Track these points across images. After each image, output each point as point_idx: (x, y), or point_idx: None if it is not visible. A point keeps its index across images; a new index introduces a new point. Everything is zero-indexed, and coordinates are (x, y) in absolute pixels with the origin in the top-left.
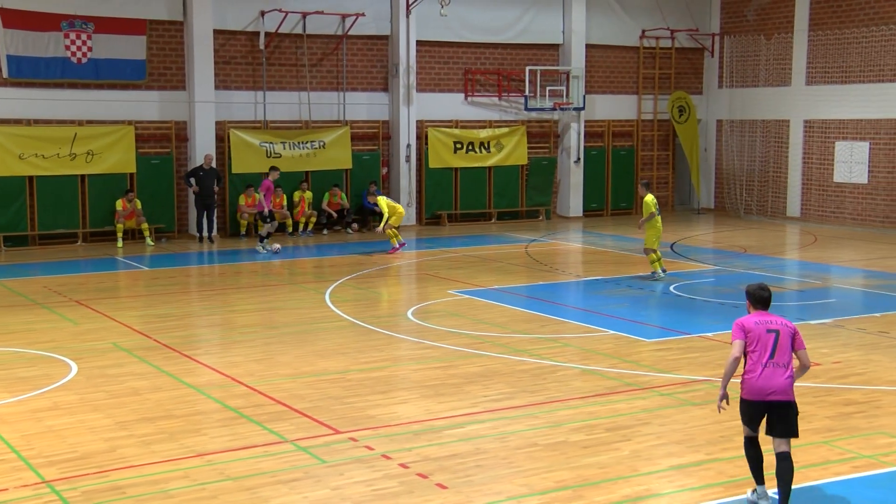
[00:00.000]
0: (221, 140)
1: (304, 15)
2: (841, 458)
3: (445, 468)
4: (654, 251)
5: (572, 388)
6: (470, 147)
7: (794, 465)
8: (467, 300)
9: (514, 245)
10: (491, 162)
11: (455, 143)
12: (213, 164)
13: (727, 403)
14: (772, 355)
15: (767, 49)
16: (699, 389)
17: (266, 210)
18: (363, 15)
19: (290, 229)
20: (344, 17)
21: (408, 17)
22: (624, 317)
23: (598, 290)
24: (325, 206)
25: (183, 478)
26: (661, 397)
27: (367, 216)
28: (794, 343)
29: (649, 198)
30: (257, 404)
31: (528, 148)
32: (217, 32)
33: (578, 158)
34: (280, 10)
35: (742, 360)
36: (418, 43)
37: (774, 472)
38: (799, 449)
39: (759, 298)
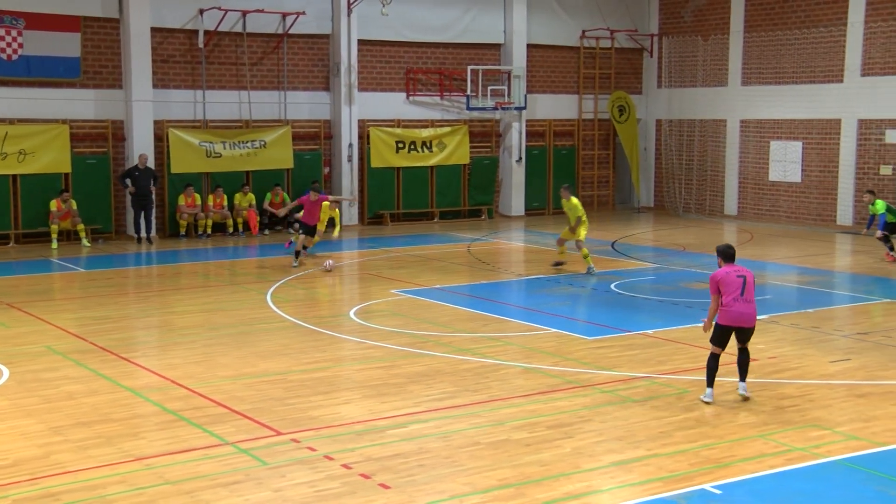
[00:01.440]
0: (160, 139)
1: (244, 13)
2: (775, 451)
3: (388, 468)
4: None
5: (515, 386)
6: (412, 146)
7: (731, 458)
8: (410, 300)
9: (456, 244)
10: (433, 161)
11: (397, 142)
12: (150, 164)
13: (707, 330)
14: (742, 293)
15: (704, 50)
16: (639, 386)
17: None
18: (304, 14)
19: (231, 230)
20: (284, 15)
21: (349, 16)
22: (565, 315)
23: (540, 289)
24: (266, 206)
25: (120, 483)
26: (603, 394)
27: None
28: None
29: (575, 201)
30: (197, 406)
31: (470, 147)
32: (154, 30)
33: (520, 158)
34: (219, 9)
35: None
36: (360, 42)
37: (737, 360)
38: (735, 443)
39: (728, 254)
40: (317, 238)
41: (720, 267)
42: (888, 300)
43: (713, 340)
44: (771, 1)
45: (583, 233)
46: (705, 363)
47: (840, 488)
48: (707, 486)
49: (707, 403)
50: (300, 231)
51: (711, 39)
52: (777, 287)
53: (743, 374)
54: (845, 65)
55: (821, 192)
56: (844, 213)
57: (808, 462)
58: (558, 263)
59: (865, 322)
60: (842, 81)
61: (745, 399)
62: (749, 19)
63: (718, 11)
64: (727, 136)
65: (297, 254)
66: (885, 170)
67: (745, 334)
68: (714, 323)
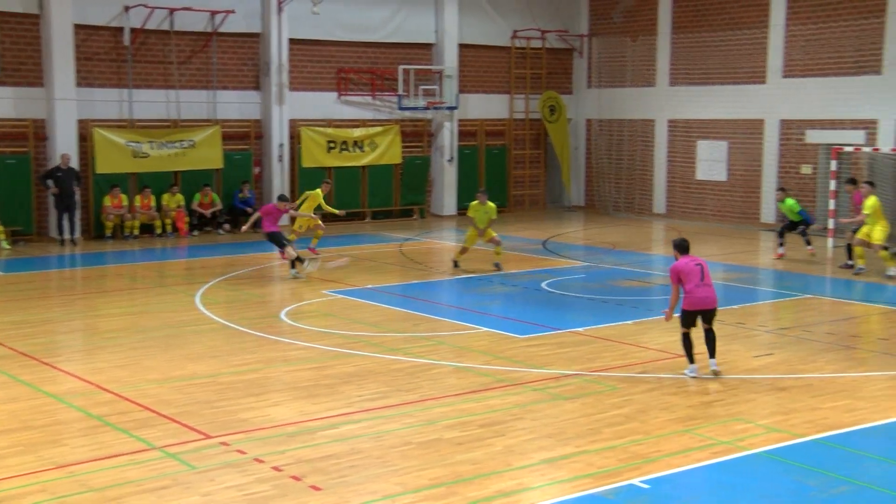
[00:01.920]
0: (84, 139)
1: (172, 11)
2: (701, 445)
3: (320, 469)
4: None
5: (447, 385)
6: (344, 146)
7: (658, 453)
8: (341, 300)
9: (388, 244)
10: (365, 161)
11: (329, 142)
12: (73, 164)
13: (669, 319)
14: (701, 279)
15: (633, 51)
16: (570, 384)
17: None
18: (233, 12)
19: (159, 231)
20: (213, 13)
21: (279, 14)
22: (497, 314)
23: (472, 289)
24: (195, 206)
25: (41, 492)
26: (534, 392)
27: (239, 216)
28: None
29: (492, 205)
30: (123, 411)
31: (402, 147)
32: (78, 27)
33: (452, 157)
34: (146, 6)
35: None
36: (290, 41)
37: (704, 339)
38: (662, 438)
39: (684, 247)
40: (293, 237)
41: (677, 259)
42: (809, 296)
43: (684, 323)
44: (697, 3)
45: (490, 233)
46: (680, 342)
47: (761, 479)
48: (635, 482)
49: (693, 378)
50: (284, 244)
51: (640, 40)
52: None
53: (712, 352)
54: (768, 66)
55: (745, 191)
56: (768, 211)
57: (731, 455)
58: (497, 265)
59: (787, 317)
60: (765, 82)
61: (717, 374)
62: (676, 21)
63: (646, 13)
64: (655, 136)
65: (295, 263)
66: (806, 169)
67: (709, 315)
68: (682, 310)
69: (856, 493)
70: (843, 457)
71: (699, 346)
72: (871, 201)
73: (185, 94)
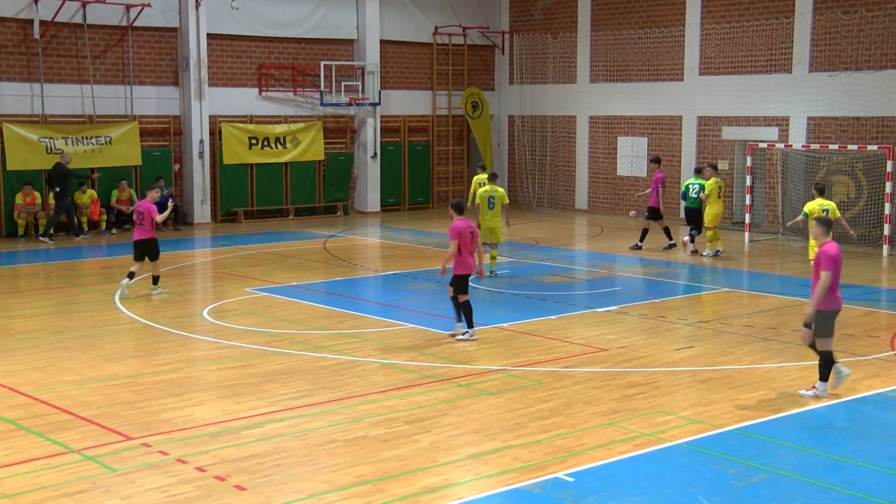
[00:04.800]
0: None
1: (84, 3)
2: (625, 438)
3: (244, 469)
4: None
5: (372, 382)
6: (265, 143)
7: (583, 446)
8: (265, 298)
9: (311, 241)
10: (287, 158)
11: (250, 138)
12: None
13: (443, 274)
14: (471, 243)
15: (554, 48)
16: (495, 379)
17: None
18: (149, 6)
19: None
20: (128, 7)
21: (197, 9)
22: (422, 310)
23: (397, 285)
24: (113, 203)
25: None
26: (459, 388)
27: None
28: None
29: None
30: (38, 414)
31: (325, 143)
32: None
33: (375, 154)
34: None
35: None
36: (209, 36)
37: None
38: (587, 432)
39: (461, 207)
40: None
41: (454, 220)
42: (727, 289)
43: (457, 289)
44: (615, 1)
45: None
46: (451, 304)
47: (682, 470)
48: (560, 475)
49: (472, 340)
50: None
51: (560, 37)
52: (625, 279)
53: (469, 321)
54: (685, 64)
55: (665, 186)
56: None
57: (654, 447)
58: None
59: (707, 310)
60: (682, 80)
61: (453, 336)
62: (595, 19)
63: (566, 10)
64: (577, 132)
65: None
66: (722, 164)
67: (464, 282)
68: (453, 274)
69: (773, 481)
70: (760, 446)
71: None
72: (709, 183)
73: (101, 90)
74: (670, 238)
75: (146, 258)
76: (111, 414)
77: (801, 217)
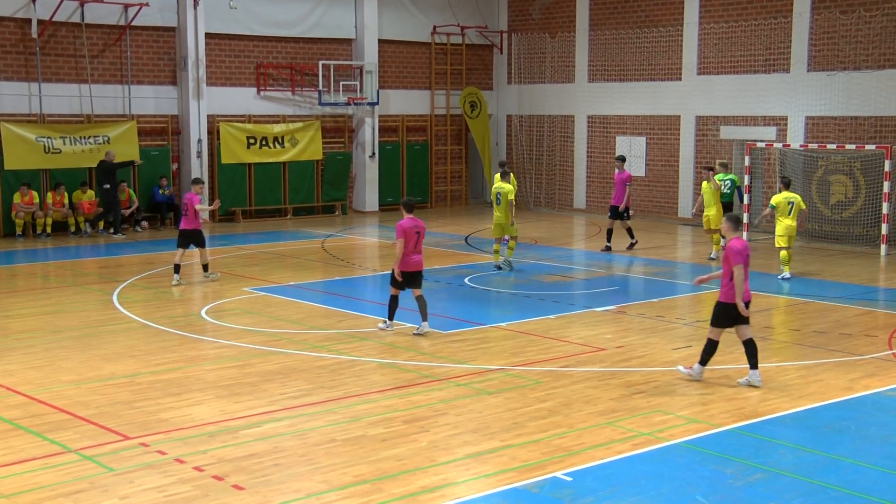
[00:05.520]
0: None
1: (82, 3)
2: (623, 437)
3: (242, 469)
4: None
5: (370, 382)
6: (264, 142)
7: (581, 446)
8: (263, 297)
9: (310, 241)
10: (285, 157)
11: (248, 138)
12: None
13: (398, 277)
14: (415, 246)
15: (552, 47)
16: (494, 378)
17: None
18: (147, 5)
19: (73, 229)
20: (126, 6)
21: (195, 8)
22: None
23: None
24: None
25: None
26: (458, 387)
27: (164, 211)
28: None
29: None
30: (36, 414)
31: (323, 143)
32: None
33: (373, 153)
34: None
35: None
36: (207, 35)
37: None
38: (585, 431)
39: (411, 206)
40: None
41: (404, 219)
42: None
43: (394, 284)
44: (614, 1)
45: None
46: (388, 303)
47: (681, 469)
48: (558, 474)
49: (382, 330)
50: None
51: (558, 37)
52: (623, 278)
53: (424, 315)
54: (683, 63)
55: (663, 186)
56: (685, 205)
57: (653, 446)
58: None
59: (704, 310)
60: (680, 79)
61: (417, 334)
62: (594, 18)
63: (565, 10)
64: (575, 132)
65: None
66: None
67: (417, 279)
68: (399, 271)
69: (771, 480)
70: (758, 445)
71: None
72: (703, 186)
73: (99, 89)
74: (632, 237)
75: (190, 246)
76: (109, 413)
77: (768, 210)
